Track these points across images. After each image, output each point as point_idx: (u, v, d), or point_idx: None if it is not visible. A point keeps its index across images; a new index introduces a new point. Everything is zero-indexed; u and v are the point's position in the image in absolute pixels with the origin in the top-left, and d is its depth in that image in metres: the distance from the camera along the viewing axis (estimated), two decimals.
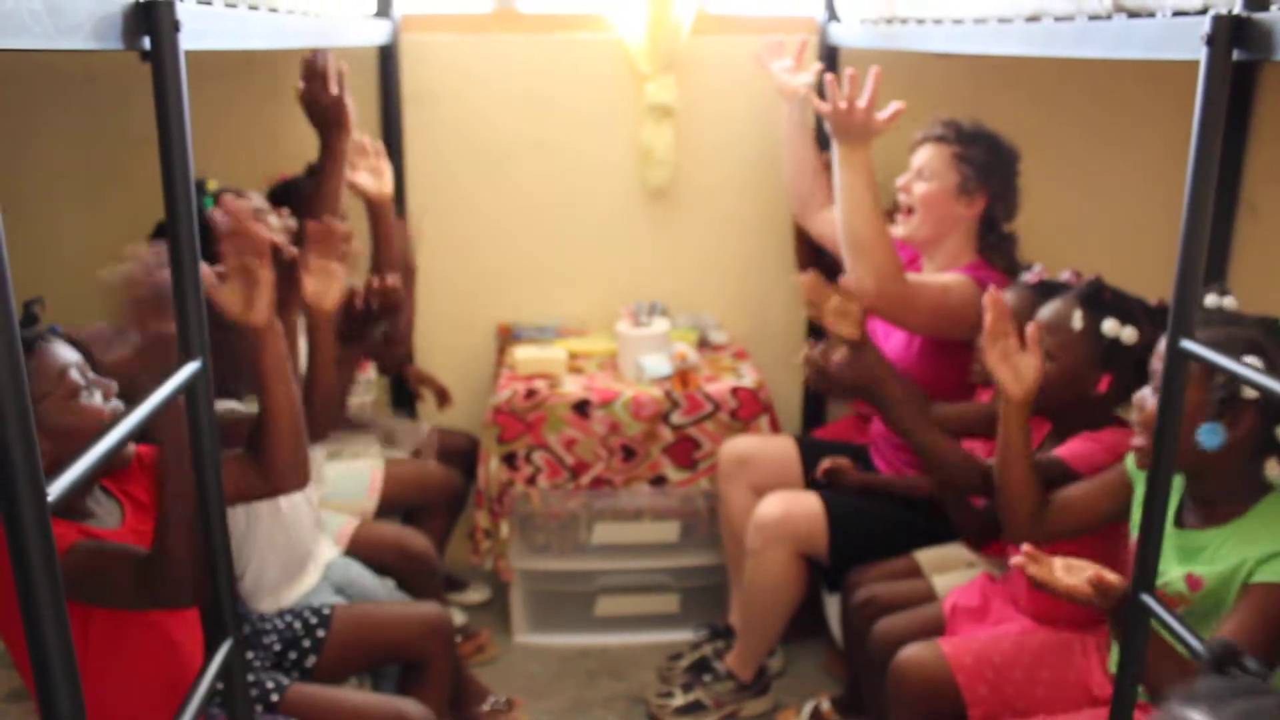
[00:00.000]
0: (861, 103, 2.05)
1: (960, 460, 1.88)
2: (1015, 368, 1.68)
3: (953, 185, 2.23)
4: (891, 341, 2.34)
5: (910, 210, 2.29)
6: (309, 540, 2.07)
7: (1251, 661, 0.85)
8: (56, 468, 0.89)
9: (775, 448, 2.55)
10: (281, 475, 1.55)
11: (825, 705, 2.33)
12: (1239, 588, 1.40)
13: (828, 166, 2.38)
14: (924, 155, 2.26)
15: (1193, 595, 1.46)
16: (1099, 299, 1.81)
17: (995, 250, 2.28)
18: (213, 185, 2.19)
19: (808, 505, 2.31)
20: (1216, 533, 1.47)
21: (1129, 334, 1.77)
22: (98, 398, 1.38)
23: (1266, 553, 1.38)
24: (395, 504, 2.52)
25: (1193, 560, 1.48)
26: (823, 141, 2.59)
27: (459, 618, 2.72)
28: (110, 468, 1.42)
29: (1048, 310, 1.84)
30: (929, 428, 1.90)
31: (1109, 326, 1.77)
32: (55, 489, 0.86)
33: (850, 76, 2.09)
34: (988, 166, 2.23)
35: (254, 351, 1.50)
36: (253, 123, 2.74)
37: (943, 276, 2.23)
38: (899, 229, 2.31)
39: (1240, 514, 1.46)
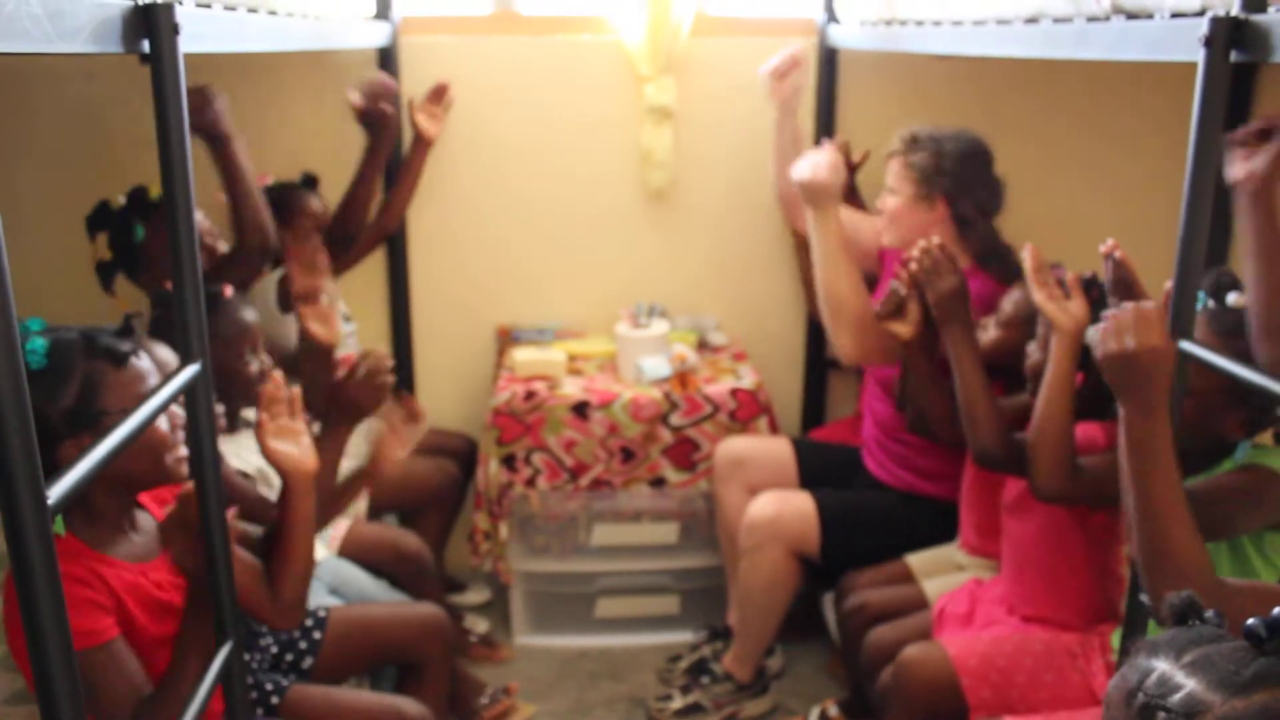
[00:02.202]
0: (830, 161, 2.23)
1: (995, 422, 1.83)
2: (1064, 307, 1.70)
3: (910, 195, 2.26)
4: None
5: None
6: None
7: (1210, 613, 0.88)
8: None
9: (771, 449, 2.55)
10: (284, 613, 1.56)
11: (833, 710, 2.33)
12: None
13: None
14: (889, 171, 2.31)
15: None
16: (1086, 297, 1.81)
17: (986, 253, 2.27)
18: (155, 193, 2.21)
19: (800, 504, 2.32)
20: None
21: None
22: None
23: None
24: (386, 503, 2.52)
25: None
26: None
27: (481, 625, 2.74)
28: (156, 482, 1.43)
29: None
30: (982, 379, 1.86)
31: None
32: (55, 492, 0.86)
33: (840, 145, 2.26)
34: (936, 169, 2.23)
35: (289, 500, 1.54)
36: (252, 125, 2.74)
37: None
38: (883, 238, 2.37)
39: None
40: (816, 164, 2.23)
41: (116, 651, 1.32)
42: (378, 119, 2.55)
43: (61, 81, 2.59)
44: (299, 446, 1.54)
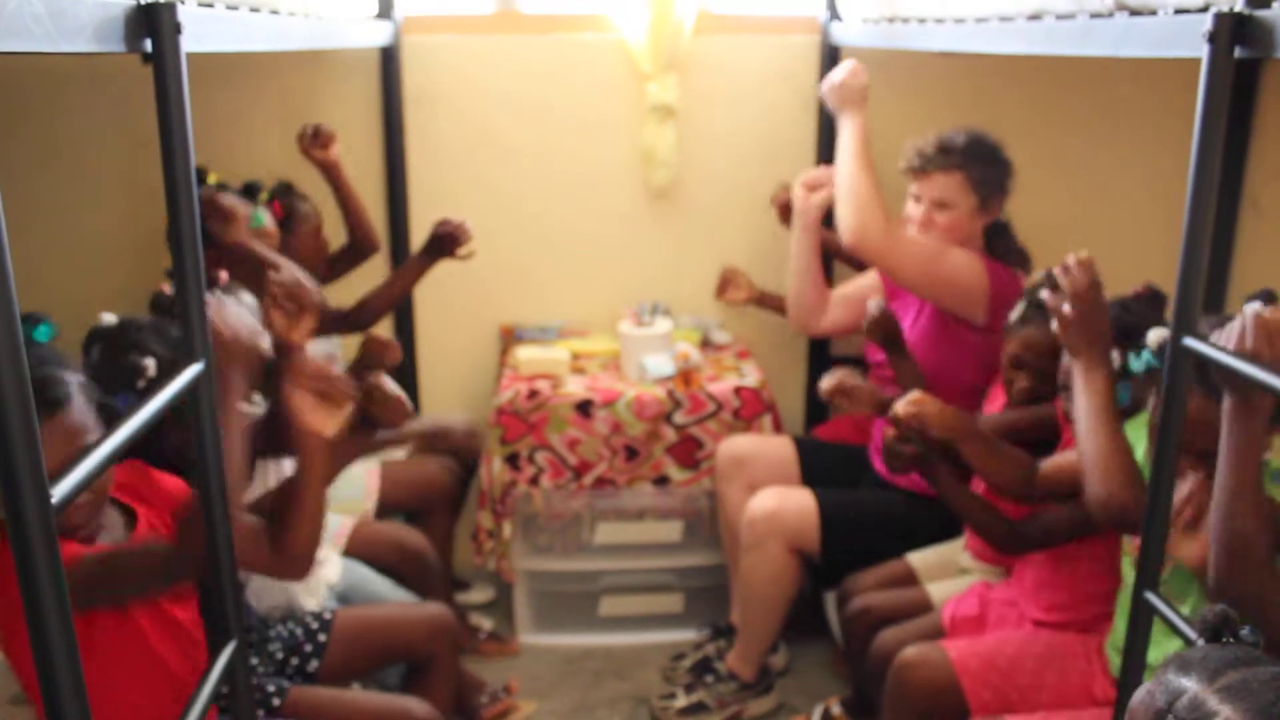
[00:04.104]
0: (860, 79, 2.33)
1: (986, 514, 1.90)
2: None
3: (973, 207, 2.27)
4: (904, 324, 2.34)
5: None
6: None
7: (1247, 630, 0.84)
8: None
9: (773, 447, 2.55)
10: (291, 565, 1.57)
11: (836, 709, 2.32)
12: None
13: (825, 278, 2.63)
14: (936, 187, 2.25)
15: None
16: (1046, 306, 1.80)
17: (997, 241, 2.32)
18: (213, 178, 2.22)
19: (799, 500, 2.33)
20: None
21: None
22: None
23: None
24: (396, 505, 2.52)
25: None
26: (826, 221, 2.53)
27: (486, 624, 2.74)
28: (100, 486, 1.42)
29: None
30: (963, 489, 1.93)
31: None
32: (59, 491, 0.86)
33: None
34: (1000, 179, 2.27)
35: (303, 455, 1.56)
36: (254, 124, 2.74)
37: (950, 247, 2.25)
38: None
39: None
40: (841, 72, 2.33)
41: (99, 554, 1.36)
42: None
43: (64, 83, 2.59)
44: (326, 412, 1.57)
